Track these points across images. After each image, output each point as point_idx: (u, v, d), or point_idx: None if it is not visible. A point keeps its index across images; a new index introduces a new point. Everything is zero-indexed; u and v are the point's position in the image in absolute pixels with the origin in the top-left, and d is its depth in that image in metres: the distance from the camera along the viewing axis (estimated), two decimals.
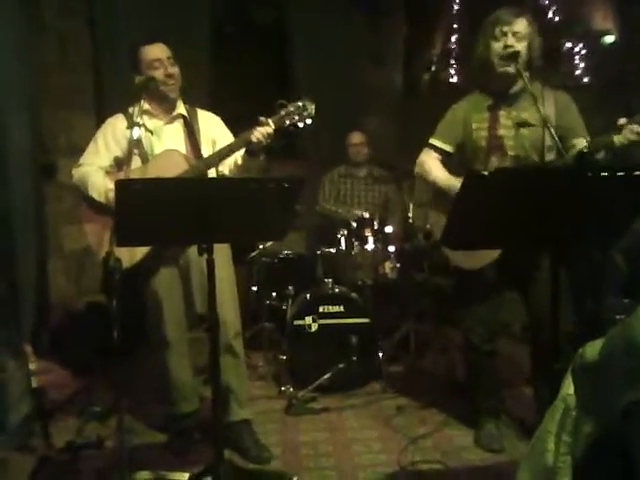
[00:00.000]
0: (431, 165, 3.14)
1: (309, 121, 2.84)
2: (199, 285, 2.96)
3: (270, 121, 2.81)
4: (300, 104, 2.83)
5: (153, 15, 4.91)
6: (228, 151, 2.88)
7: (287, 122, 2.82)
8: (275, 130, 2.82)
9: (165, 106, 3.04)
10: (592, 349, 1.42)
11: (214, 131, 3.12)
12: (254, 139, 2.79)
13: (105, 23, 4.84)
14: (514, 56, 2.80)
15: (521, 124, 2.87)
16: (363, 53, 5.98)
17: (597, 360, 1.36)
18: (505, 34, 2.85)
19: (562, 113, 2.88)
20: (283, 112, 2.82)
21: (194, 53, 5.33)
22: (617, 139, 2.53)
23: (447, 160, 3.14)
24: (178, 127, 3.08)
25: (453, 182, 2.96)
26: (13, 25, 3.89)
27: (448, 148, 3.12)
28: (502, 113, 2.95)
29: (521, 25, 2.85)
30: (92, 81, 4.85)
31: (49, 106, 4.56)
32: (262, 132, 2.78)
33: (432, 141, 3.16)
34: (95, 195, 2.96)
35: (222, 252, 3.00)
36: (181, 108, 3.08)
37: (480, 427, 3.15)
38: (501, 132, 2.93)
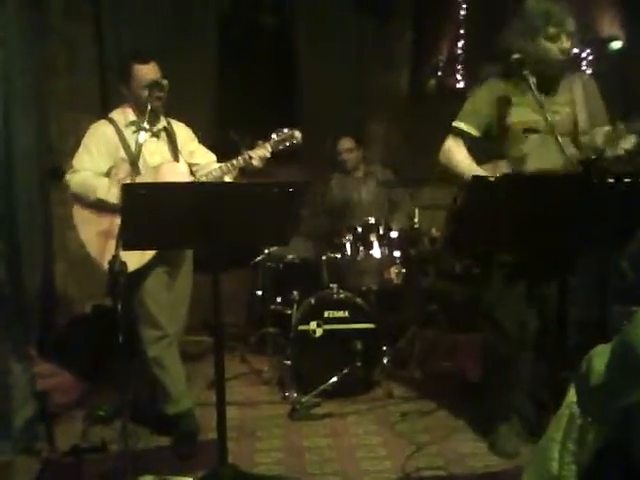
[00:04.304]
0: (456, 153, 2.97)
1: (295, 143, 3.21)
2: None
3: (268, 145, 3.16)
4: (290, 132, 3.19)
5: (159, 19, 4.93)
6: (228, 169, 3.11)
7: (280, 147, 3.19)
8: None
9: (150, 119, 3.05)
10: (597, 360, 1.42)
11: (189, 143, 3.32)
12: (255, 163, 3.11)
13: (111, 26, 4.87)
14: (572, 61, 2.78)
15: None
16: (370, 57, 5.97)
17: (603, 374, 1.35)
18: (559, 35, 2.74)
19: (589, 98, 2.84)
20: (277, 137, 3.18)
21: (199, 58, 5.36)
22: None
23: (473, 145, 2.97)
24: (162, 139, 3.21)
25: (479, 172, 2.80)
26: (20, 28, 3.91)
27: (473, 132, 2.96)
28: (542, 99, 2.72)
29: (572, 24, 2.77)
30: (98, 84, 4.87)
31: (56, 109, 4.58)
32: (260, 155, 3.12)
33: (456, 124, 3.00)
34: (102, 196, 3.01)
35: (187, 263, 3.26)
36: (164, 121, 3.22)
37: (494, 431, 3.08)
38: (537, 117, 2.77)
